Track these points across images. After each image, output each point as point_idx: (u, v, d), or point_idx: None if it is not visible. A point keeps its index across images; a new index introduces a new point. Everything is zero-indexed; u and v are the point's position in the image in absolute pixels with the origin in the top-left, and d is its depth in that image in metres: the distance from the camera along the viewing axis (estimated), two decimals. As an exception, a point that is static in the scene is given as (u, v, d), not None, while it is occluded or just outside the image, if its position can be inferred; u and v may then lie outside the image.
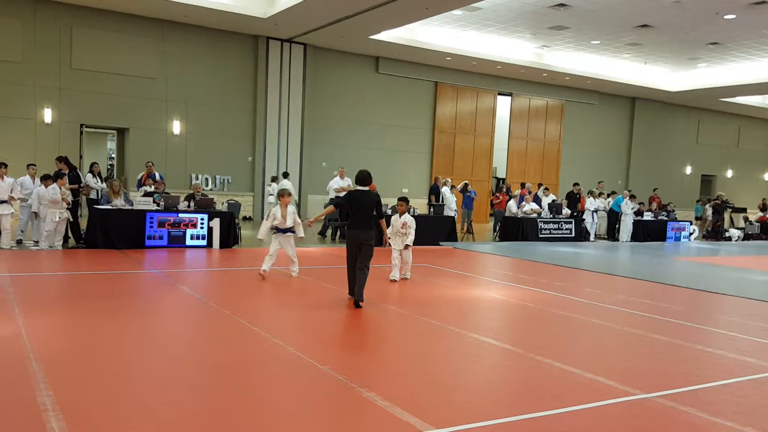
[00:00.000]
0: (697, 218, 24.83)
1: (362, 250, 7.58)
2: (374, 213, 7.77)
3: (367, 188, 7.81)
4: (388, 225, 9.49)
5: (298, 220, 9.48)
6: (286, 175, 18.52)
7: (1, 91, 16.52)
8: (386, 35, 19.29)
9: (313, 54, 20.68)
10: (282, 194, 9.47)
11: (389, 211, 10.03)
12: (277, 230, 9.36)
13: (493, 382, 5.07)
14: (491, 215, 21.93)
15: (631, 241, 19.23)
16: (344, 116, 21.62)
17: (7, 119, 16.64)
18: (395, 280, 9.56)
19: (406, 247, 9.60)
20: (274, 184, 18.20)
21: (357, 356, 5.75)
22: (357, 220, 7.64)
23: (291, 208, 9.38)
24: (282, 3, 16.77)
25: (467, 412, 4.30)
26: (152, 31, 18.23)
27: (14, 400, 4.10)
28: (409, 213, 10.10)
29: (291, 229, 9.39)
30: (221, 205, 14.19)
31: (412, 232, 9.66)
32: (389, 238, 9.43)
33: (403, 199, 9.81)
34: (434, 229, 15.37)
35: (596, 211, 19.25)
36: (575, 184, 20.22)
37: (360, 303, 7.48)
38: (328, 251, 13.23)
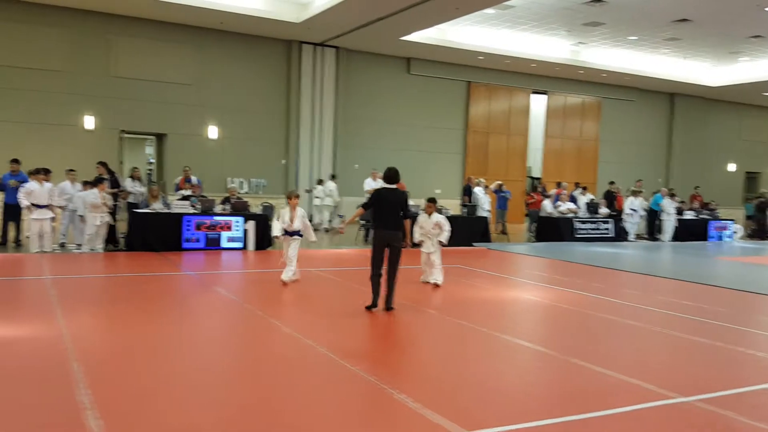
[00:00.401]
0: (748, 217, 24.06)
1: (391, 253, 7.29)
2: (401, 213, 7.40)
3: (395, 186, 7.46)
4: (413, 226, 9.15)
5: (307, 223, 9.10)
6: (333, 178, 18.51)
7: (45, 99, 17.00)
8: (417, 36, 19.25)
9: (345, 57, 20.77)
10: (290, 195, 9.06)
11: (420, 212, 9.77)
12: (284, 233, 8.95)
13: (525, 384, 5.01)
14: (526, 215, 21.69)
15: (672, 240, 18.81)
16: (376, 118, 21.65)
17: (50, 126, 17.10)
18: (428, 282, 9.34)
19: (440, 243, 9.17)
20: (319, 187, 18.29)
21: (389, 358, 5.75)
22: (384, 220, 7.29)
23: (300, 211, 9.00)
24: (314, 8, 16.89)
25: (499, 415, 4.25)
26: (189, 38, 18.54)
27: (55, 399, 4.21)
28: (439, 213, 9.90)
29: (298, 233, 8.97)
30: (256, 208, 14.34)
31: (447, 227, 9.17)
32: (419, 240, 9.19)
33: (432, 200, 9.42)
34: (467, 230, 15.27)
35: (636, 210, 18.85)
36: (611, 183, 19.91)
37: (392, 306, 7.33)
38: (362, 252, 13.24)
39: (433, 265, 9.25)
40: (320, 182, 18.56)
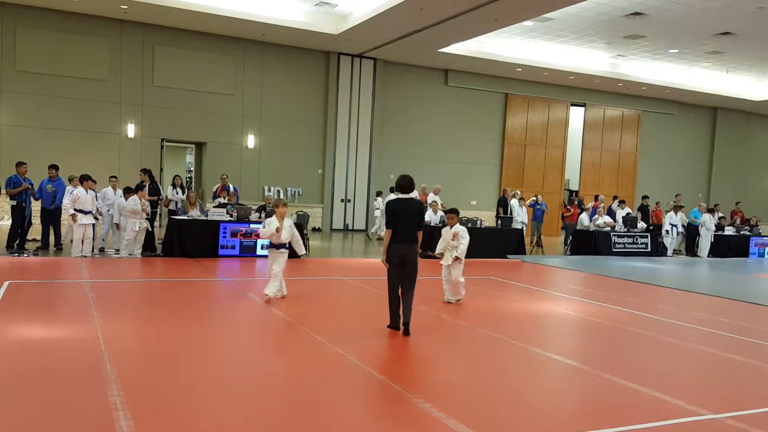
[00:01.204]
0: None
1: (407, 268, 6.71)
2: (417, 224, 6.78)
3: (410, 196, 6.88)
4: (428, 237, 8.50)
5: (297, 235, 8.36)
6: (393, 190, 18.39)
7: (90, 107, 17.55)
8: (455, 48, 19.30)
9: (382, 68, 20.93)
10: (277, 204, 8.20)
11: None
12: (270, 245, 8.27)
13: (554, 397, 4.97)
14: (562, 228, 21.47)
15: (711, 256, 18.40)
16: (413, 129, 21.74)
17: (95, 134, 17.64)
18: (450, 302, 8.68)
19: (456, 259, 8.50)
20: (379, 199, 18.38)
21: (415, 367, 5.76)
22: (399, 233, 6.69)
23: (288, 222, 8.21)
24: (353, 19, 17.09)
25: (525, 428, 4.23)
26: (229, 49, 18.94)
27: (87, 399, 4.33)
28: (476, 224, 9.63)
29: (285, 246, 8.22)
30: (290, 216, 14.48)
31: (464, 242, 8.50)
32: (439, 252, 8.70)
33: (453, 211, 8.84)
34: (502, 242, 15.20)
35: (675, 226, 18.49)
36: (644, 197, 19.66)
37: (409, 330, 6.69)
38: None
39: (454, 281, 8.63)
40: (379, 194, 18.84)
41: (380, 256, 6.87)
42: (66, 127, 17.28)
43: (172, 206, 13.76)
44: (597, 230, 16.89)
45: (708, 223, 18.40)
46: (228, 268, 11.17)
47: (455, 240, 8.57)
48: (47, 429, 3.82)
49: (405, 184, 6.85)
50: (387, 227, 6.87)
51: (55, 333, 6.08)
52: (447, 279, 8.67)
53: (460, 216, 9.28)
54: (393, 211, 6.75)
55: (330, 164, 20.53)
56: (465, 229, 8.68)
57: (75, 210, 11.30)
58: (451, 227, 8.69)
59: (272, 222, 8.06)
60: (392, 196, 17.68)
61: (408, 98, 21.59)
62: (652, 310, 8.99)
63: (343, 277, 10.61)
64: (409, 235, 6.70)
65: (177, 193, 13.91)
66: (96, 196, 12.04)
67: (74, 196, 11.40)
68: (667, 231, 18.28)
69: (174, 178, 14.48)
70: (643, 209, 19.22)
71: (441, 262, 8.65)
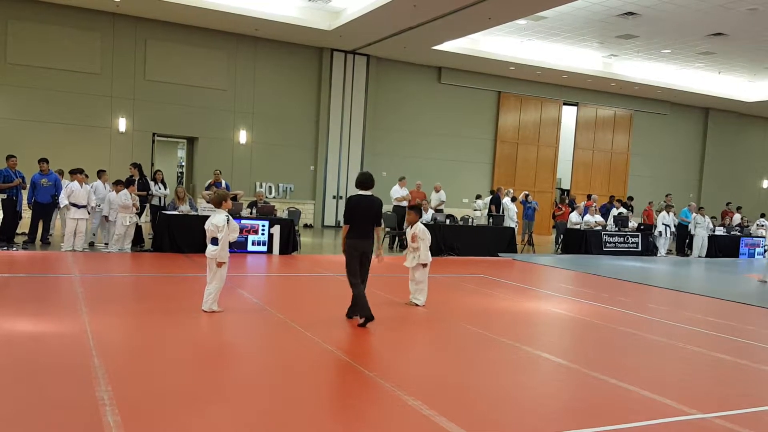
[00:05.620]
0: None
1: (364, 263, 6.95)
2: (375, 220, 6.96)
3: (369, 192, 6.96)
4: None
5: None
6: (478, 197, 18.32)
7: (81, 101, 17.42)
8: (449, 45, 19.30)
9: (375, 65, 20.90)
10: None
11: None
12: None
13: (543, 396, 4.97)
14: (554, 227, 21.52)
15: (700, 256, 18.47)
16: (406, 126, 21.72)
17: (85, 128, 17.52)
18: (415, 305, 8.19)
19: (424, 266, 8.07)
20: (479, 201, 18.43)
21: (404, 364, 5.75)
22: (359, 229, 6.85)
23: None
24: (346, 15, 17.05)
25: (514, 426, 4.23)
26: (222, 44, 18.85)
27: (75, 394, 4.29)
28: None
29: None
30: (282, 213, 14.45)
31: (425, 245, 8.00)
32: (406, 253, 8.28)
33: (414, 209, 8.37)
34: (493, 240, 15.21)
35: (668, 226, 18.57)
36: (650, 203, 19.81)
37: (372, 317, 6.75)
38: (386, 260, 13.25)
39: (418, 281, 8.16)
40: (479, 197, 19.12)
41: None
42: (56, 120, 17.16)
43: (154, 201, 13.64)
44: (588, 229, 16.94)
45: (701, 223, 18.47)
46: (218, 264, 11.09)
47: (415, 242, 8.04)
48: (34, 424, 3.78)
49: (364, 180, 7.00)
50: (346, 222, 6.96)
51: (43, 327, 6.03)
52: (412, 280, 8.25)
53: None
54: (352, 207, 6.91)
55: (322, 161, 20.50)
56: (425, 230, 8.14)
57: (69, 203, 11.29)
58: (410, 226, 8.22)
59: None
60: (480, 203, 17.66)
61: (401, 95, 21.56)
62: (641, 310, 9.02)
63: (334, 273, 10.58)
64: (366, 231, 6.92)
65: (159, 189, 13.78)
66: (91, 191, 11.96)
67: (69, 189, 11.38)
68: (660, 232, 18.35)
69: (155, 173, 14.31)
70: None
71: (404, 264, 8.27)
